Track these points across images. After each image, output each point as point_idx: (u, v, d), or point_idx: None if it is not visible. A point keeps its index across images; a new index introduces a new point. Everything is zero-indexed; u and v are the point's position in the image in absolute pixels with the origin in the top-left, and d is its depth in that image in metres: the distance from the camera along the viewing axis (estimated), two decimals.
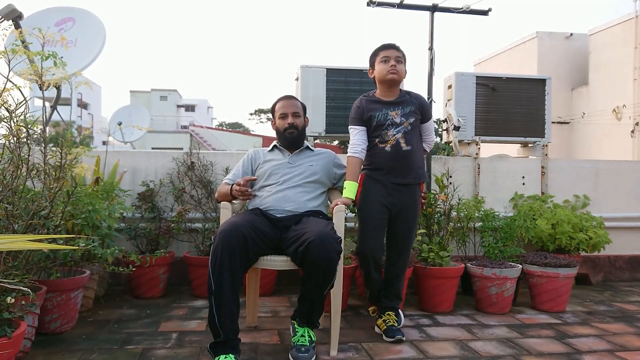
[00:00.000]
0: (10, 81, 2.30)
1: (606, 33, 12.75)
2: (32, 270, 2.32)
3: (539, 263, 3.15)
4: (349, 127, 2.63)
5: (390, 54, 2.55)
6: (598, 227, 3.52)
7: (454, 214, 3.41)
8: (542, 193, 4.02)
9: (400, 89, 2.65)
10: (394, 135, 2.53)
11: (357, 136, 2.59)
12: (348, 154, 2.59)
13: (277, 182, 2.56)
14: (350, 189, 2.50)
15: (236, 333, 2.12)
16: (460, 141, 4.00)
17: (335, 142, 20.85)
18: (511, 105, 4.06)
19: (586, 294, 3.67)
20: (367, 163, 2.61)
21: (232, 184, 2.52)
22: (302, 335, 2.24)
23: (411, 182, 2.57)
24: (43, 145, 2.37)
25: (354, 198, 2.51)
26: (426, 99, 2.72)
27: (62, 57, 2.53)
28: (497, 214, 3.52)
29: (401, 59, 2.57)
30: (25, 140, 2.23)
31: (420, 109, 2.61)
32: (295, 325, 2.29)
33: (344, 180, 2.56)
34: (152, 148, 23.50)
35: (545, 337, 2.62)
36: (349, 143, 2.66)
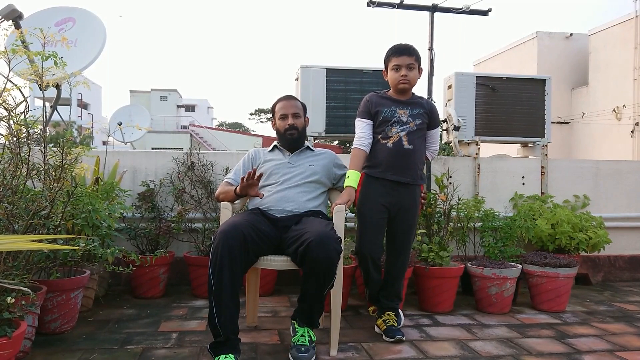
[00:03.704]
0: (10, 81, 2.30)
1: (606, 33, 12.75)
2: (32, 270, 2.31)
3: (538, 263, 3.15)
4: (356, 119, 2.62)
5: (402, 61, 2.51)
6: (598, 227, 3.52)
7: (453, 214, 3.41)
8: (542, 193, 4.02)
9: (413, 93, 2.64)
10: (398, 132, 2.53)
11: (364, 130, 2.57)
12: (354, 146, 2.56)
13: (277, 182, 2.56)
14: (353, 177, 2.46)
15: (236, 333, 2.12)
16: (460, 141, 4.01)
17: (335, 142, 20.85)
18: (511, 105, 4.06)
19: (586, 294, 3.67)
20: (366, 160, 2.60)
21: (237, 186, 2.50)
22: (302, 335, 2.24)
23: (409, 181, 2.56)
24: (43, 145, 2.37)
25: (356, 187, 2.49)
26: (435, 107, 2.71)
27: (62, 57, 2.53)
28: (497, 214, 3.52)
29: (414, 64, 2.53)
30: (25, 140, 2.23)
31: (429, 113, 2.61)
32: (295, 325, 2.29)
33: (346, 172, 2.53)
34: (152, 148, 23.52)
35: (545, 337, 2.62)
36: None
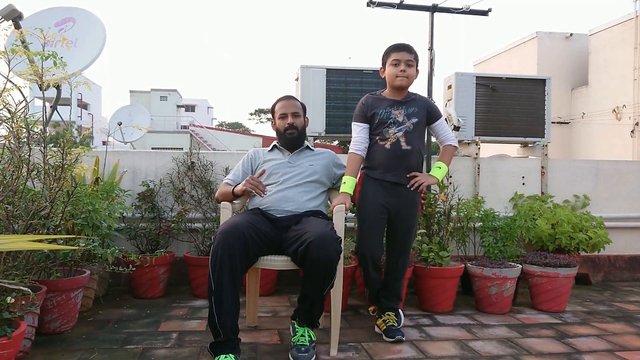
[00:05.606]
0: (10, 81, 2.30)
1: (606, 33, 12.76)
2: (32, 270, 2.32)
3: (538, 263, 3.15)
4: (353, 123, 2.62)
5: (401, 57, 2.52)
6: (598, 227, 3.52)
7: (454, 214, 3.41)
8: (542, 193, 4.02)
9: (408, 91, 2.63)
10: (395, 133, 2.53)
11: (360, 134, 2.58)
12: (350, 151, 2.58)
13: (277, 182, 2.56)
14: (348, 184, 2.49)
15: (236, 333, 2.12)
16: (460, 141, 4.01)
17: (335, 142, 20.86)
18: (511, 105, 4.06)
19: (586, 294, 3.67)
20: (365, 161, 2.61)
21: (235, 185, 2.53)
22: (302, 335, 2.24)
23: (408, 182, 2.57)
24: (43, 145, 2.37)
25: (352, 193, 2.50)
26: (432, 101, 2.69)
27: (62, 57, 2.53)
28: (497, 214, 3.52)
29: (412, 62, 2.53)
30: (25, 140, 2.23)
31: (425, 109, 2.59)
32: (295, 325, 2.30)
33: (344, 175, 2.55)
34: (152, 148, 23.53)
35: (545, 337, 2.62)
36: (349, 143, 2.66)
